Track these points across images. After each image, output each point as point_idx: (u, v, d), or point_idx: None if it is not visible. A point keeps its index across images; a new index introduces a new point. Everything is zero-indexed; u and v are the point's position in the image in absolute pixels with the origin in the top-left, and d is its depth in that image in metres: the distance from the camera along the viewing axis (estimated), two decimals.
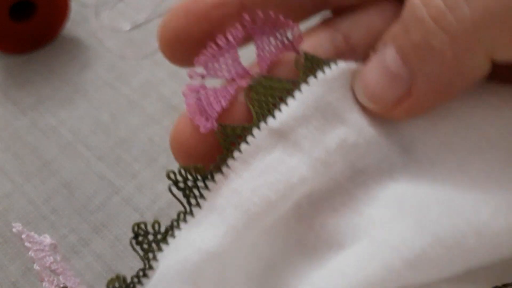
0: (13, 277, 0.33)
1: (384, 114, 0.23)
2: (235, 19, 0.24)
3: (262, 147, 0.22)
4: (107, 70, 0.44)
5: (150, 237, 0.21)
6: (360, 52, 0.25)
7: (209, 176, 0.22)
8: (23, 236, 0.19)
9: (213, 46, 0.24)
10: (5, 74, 0.44)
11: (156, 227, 0.22)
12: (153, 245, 0.21)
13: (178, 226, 0.21)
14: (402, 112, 0.22)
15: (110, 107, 0.41)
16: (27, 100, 0.42)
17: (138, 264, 0.34)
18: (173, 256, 0.21)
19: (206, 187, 0.22)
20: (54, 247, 0.21)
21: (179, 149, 0.24)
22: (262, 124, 0.22)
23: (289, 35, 0.24)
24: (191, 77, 0.24)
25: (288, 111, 0.22)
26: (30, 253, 0.19)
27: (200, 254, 0.20)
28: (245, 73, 0.24)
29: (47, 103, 0.42)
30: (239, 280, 0.21)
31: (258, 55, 0.24)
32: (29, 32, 0.44)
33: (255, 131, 0.22)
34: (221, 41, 0.24)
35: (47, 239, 0.20)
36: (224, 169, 0.22)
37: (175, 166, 0.40)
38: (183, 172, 0.22)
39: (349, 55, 0.25)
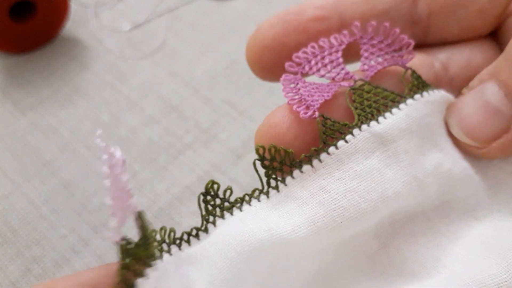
0: (13, 277, 0.33)
1: (476, 150, 0.23)
2: (332, 33, 0.24)
3: (360, 149, 0.22)
4: (107, 70, 0.44)
5: (217, 201, 0.21)
6: (457, 84, 0.25)
7: (297, 164, 0.21)
8: (101, 145, 0.18)
9: (316, 46, 0.24)
10: (5, 74, 0.44)
11: (228, 193, 0.21)
12: (217, 210, 0.21)
13: (249, 202, 0.21)
14: (495, 149, 0.22)
15: (110, 107, 0.41)
16: (27, 100, 0.42)
17: None
18: (236, 227, 0.20)
19: (291, 174, 0.21)
20: (124, 163, 0.20)
21: (273, 136, 0.22)
22: (364, 126, 0.22)
23: (400, 49, 0.25)
24: (289, 69, 0.24)
25: (393, 120, 0.22)
26: (104, 168, 0.18)
27: (269, 234, 0.19)
28: (349, 76, 0.24)
29: (47, 103, 0.42)
30: (292, 275, 0.21)
31: (363, 63, 0.24)
32: (29, 32, 0.44)
33: (355, 131, 0.22)
34: (324, 43, 0.24)
35: (118, 152, 0.19)
36: (315, 162, 0.21)
37: (175, 166, 0.40)
38: (272, 150, 0.21)
39: (446, 84, 0.25)
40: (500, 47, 0.26)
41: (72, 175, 0.38)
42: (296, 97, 0.23)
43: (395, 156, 0.22)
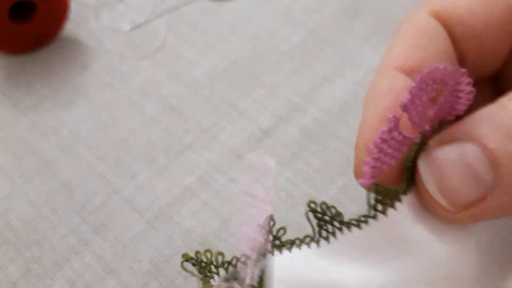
0: (13, 277, 0.33)
1: (447, 214, 0.22)
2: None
3: (407, 217, 0.21)
4: (107, 71, 0.44)
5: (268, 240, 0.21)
6: None
7: (345, 224, 0.22)
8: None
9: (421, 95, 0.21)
10: (5, 74, 0.44)
11: (281, 232, 0.22)
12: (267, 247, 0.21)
13: (299, 245, 0.22)
14: (466, 216, 0.21)
15: (110, 107, 0.41)
16: (27, 100, 0.42)
17: (138, 265, 0.35)
18: (285, 265, 0.21)
19: (341, 230, 0.22)
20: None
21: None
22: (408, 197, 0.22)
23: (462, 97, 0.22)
24: (390, 122, 0.20)
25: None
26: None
27: (321, 276, 0.20)
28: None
29: (47, 104, 0.42)
30: None
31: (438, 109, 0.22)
32: (29, 32, 0.44)
33: (404, 199, 0.22)
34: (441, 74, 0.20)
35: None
36: (363, 225, 0.22)
37: (175, 166, 0.40)
38: (324, 206, 0.22)
39: None
40: (500, 91, 0.24)
41: (72, 175, 0.38)
42: (376, 155, 0.21)
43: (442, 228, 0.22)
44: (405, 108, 0.20)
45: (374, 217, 0.21)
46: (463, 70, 0.21)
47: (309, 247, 0.22)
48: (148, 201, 0.36)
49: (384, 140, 0.20)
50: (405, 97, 0.20)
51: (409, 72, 0.24)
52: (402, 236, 0.21)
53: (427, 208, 0.22)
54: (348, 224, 0.22)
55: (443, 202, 0.21)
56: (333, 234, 0.22)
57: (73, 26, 0.47)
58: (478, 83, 0.24)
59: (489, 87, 0.26)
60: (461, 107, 0.22)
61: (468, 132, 0.21)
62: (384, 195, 0.21)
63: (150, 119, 0.40)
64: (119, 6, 0.49)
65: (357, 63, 0.43)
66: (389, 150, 0.21)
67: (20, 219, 0.36)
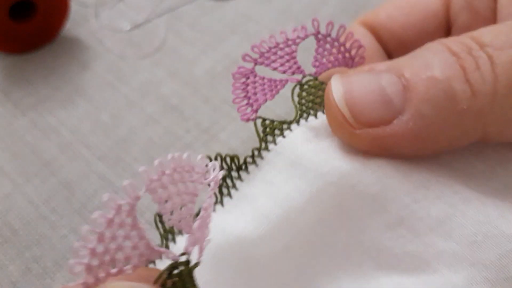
0: (13, 277, 0.33)
1: (348, 127, 0.22)
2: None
3: (296, 140, 0.22)
4: (107, 70, 0.44)
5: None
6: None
7: (243, 167, 0.22)
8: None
9: (275, 39, 0.25)
10: (5, 74, 0.44)
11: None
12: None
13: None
14: (366, 136, 0.21)
15: (110, 107, 0.41)
16: (27, 100, 0.42)
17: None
18: None
19: (240, 177, 0.22)
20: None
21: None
22: (302, 121, 0.23)
23: (353, 52, 0.25)
24: (244, 59, 0.24)
25: None
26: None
27: (224, 236, 0.20)
28: (299, 71, 0.25)
29: (47, 103, 0.42)
30: (260, 273, 0.21)
31: (315, 59, 0.25)
32: (29, 32, 0.44)
33: (294, 125, 0.23)
34: (282, 36, 0.25)
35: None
36: (258, 160, 0.22)
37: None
38: (219, 160, 0.22)
39: None
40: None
41: (72, 175, 0.38)
42: (242, 95, 0.24)
43: (330, 148, 0.22)
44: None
45: (266, 148, 0.23)
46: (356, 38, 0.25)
47: (214, 211, 0.22)
48: (148, 201, 0.36)
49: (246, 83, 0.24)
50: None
51: None
52: (294, 158, 0.22)
53: (330, 122, 0.22)
54: (245, 166, 0.22)
55: (347, 113, 0.21)
56: (234, 186, 0.22)
57: (73, 26, 0.47)
58: None
59: None
60: (356, 59, 0.25)
61: (387, 65, 0.22)
62: (271, 127, 0.23)
63: (150, 119, 0.40)
64: (119, 5, 0.49)
65: None
66: (259, 90, 0.24)
67: (20, 218, 0.36)
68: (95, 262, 0.16)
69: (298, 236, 0.21)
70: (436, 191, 0.21)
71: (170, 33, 0.46)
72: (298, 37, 0.25)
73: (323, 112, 0.23)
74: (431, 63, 0.21)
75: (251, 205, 0.21)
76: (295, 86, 0.25)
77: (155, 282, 0.17)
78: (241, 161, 0.23)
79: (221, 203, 0.22)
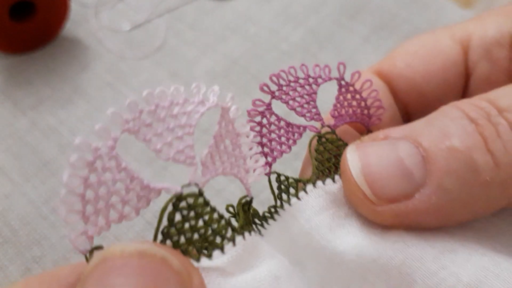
0: (13, 277, 0.33)
1: (368, 204, 0.20)
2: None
3: (312, 206, 0.21)
4: (106, 70, 0.44)
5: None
6: None
7: (258, 223, 0.22)
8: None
9: (295, 73, 0.23)
10: (5, 74, 0.44)
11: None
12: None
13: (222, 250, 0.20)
14: (389, 212, 0.20)
15: (109, 107, 0.41)
16: (27, 100, 0.42)
17: None
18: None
19: (260, 232, 0.22)
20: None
21: None
22: (319, 183, 0.21)
23: (372, 111, 0.24)
24: (261, 89, 0.23)
25: None
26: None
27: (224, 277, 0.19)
28: (318, 118, 0.23)
29: (47, 103, 0.42)
30: None
31: (334, 108, 0.24)
32: (29, 32, 0.44)
33: (309, 187, 0.21)
34: (303, 70, 0.23)
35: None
36: (277, 217, 0.21)
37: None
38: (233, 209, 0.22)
39: None
40: None
41: None
42: (257, 139, 0.22)
43: (347, 218, 0.21)
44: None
45: (282, 207, 0.21)
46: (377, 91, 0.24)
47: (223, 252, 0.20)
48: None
49: (262, 124, 0.22)
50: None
51: None
52: (308, 230, 0.21)
53: (350, 198, 0.21)
54: (261, 222, 0.21)
55: (368, 191, 0.20)
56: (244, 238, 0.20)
57: (73, 26, 0.47)
58: None
59: None
60: (373, 119, 0.24)
61: (403, 132, 0.21)
62: (286, 185, 0.22)
63: None
64: (119, 5, 0.49)
65: (357, 63, 0.43)
66: (276, 136, 0.22)
67: (20, 219, 0.36)
68: (89, 209, 0.16)
69: None
70: (464, 254, 0.20)
71: (170, 33, 0.46)
72: (320, 77, 0.23)
73: (340, 176, 0.22)
74: (450, 132, 0.20)
75: (266, 263, 0.20)
76: (313, 137, 0.23)
77: (161, 213, 0.17)
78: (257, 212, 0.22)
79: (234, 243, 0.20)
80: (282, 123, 0.23)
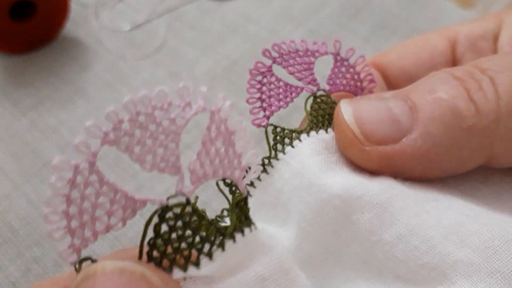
0: (13, 277, 0.33)
1: (358, 145, 0.22)
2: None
3: (304, 152, 0.23)
4: (107, 71, 0.44)
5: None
6: None
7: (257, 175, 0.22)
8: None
9: (295, 46, 0.25)
10: (5, 74, 0.44)
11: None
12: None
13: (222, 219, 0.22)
14: (377, 154, 0.22)
15: (109, 107, 0.41)
16: (27, 100, 0.42)
17: None
18: None
19: (252, 184, 0.23)
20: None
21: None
22: (313, 133, 0.23)
23: (365, 84, 0.26)
24: (263, 54, 0.25)
25: None
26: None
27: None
28: (314, 83, 0.25)
29: (47, 103, 0.42)
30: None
31: (330, 77, 0.26)
32: (29, 32, 0.44)
33: (303, 136, 0.23)
34: (302, 45, 0.25)
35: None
36: (269, 168, 0.23)
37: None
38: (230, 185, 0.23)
39: None
40: None
41: None
42: (256, 95, 0.24)
43: (337, 164, 0.23)
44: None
45: (276, 157, 0.23)
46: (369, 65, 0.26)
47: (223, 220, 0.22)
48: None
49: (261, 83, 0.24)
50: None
51: None
52: (300, 170, 0.22)
53: (340, 139, 0.23)
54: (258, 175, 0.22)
55: (358, 132, 0.22)
56: (248, 193, 0.22)
57: (73, 26, 0.47)
58: None
59: None
60: (365, 91, 0.26)
61: (393, 92, 0.23)
62: (281, 136, 0.24)
63: None
64: (119, 6, 0.49)
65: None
66: (274, 94, 0.24)
67: (20, 219, 0.36)
68: (74, 224, 0.16)
69: (317, 246, 0.22)
70: (445, 202, 0.21)
71: (170, 33, 0.46)
72: (318, 51, 0.26)
73: (333, 129, 0.24)
74: (436, 87, 0.22)
75: (269, 214, 0.22)
76: (309, 97, 0.25)
77: (145, 226, 0.18)
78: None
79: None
80: (281, 83, 0.25)
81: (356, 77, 0.26)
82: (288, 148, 0.23)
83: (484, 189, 0.23)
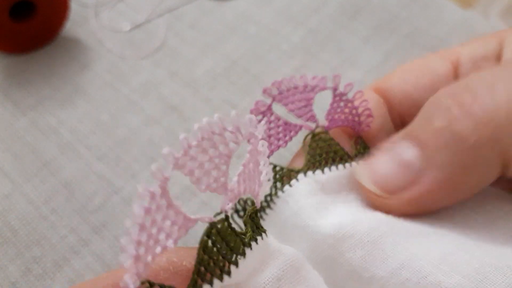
0: (13, 277, 0.33)
1: (383, 201, 0.23)
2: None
3: (301, 193, 0.24)
4: (107, 70, 0.44)
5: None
6: None
7: (260, 214, 0.24)
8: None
9: (295, 82, 0.26)
10: (5, 74, 0.44)
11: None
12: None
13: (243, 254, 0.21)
14: (404, 201, 0.22)
15: (110, 107, 0.41)
16: (27, 100, 0.42)
17: None
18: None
19: (261, 217, 0.25)
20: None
21: None
22: (309, 173, 0.24)
23: (362, 119, 0.27)
24: (264, 92, 0.26)
25: (337, 174, 0.25)
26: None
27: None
28: (313, 119, 0.26)
29: (47, 103, 0.42)
30: None
31: (329, 113, 0.27)
32: (29, 32, 0.44)
33: (300, 175, 0.24)
34: (302, 81, 0.26)
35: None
36: (272, 204, 0.24)
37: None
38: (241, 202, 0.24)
39: None
40: None
41: (72, 175, 0.38)
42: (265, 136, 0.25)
43: (333, 204, 0.24)
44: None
45: (276, 194, 0.24)
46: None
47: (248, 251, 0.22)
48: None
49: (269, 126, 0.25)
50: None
51: None
52: (296, 210, 0.23)
53: (368, 200, 0.24)
54: (261, 212, 0.24)
55: (374, 188, 0.23)
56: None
57: (73, 26, 0.47)
58: None
59: None
60: (363, 126, 0.27)
61: (398, 135, 0.24)
62: (280, 174, 0.25)
63: (150, 119, 0.40)
64: (119, 6, 0.49)
65: (357, 63, 0.43)
66: (274, 133, 0.25)
67: (20, 219, 0.36)
68: (141, 251, 0.17)
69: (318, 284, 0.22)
70: (436, 236, 0.22)
71: (170, 33, 0.46)
72: (317, 86, 0.26)
73: (330, 169, 0.25)
74: (431, 115, 0.22)
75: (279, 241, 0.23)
76: (308, 135, 0.26)
77: (201, 247, 0.18)
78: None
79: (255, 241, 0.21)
80: (281, 122, 0.26)
81: (354, 111, 0.27)
82: (286, 187, 0.24)
83: (477, 218, 0.24)
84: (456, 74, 0.29)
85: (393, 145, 0.23)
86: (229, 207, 0.20)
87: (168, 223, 0.17)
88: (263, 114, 0.26)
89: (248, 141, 0.20)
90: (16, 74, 0.44)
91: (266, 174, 0.21)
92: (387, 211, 0.23)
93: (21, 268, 0.33)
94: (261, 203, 0.24)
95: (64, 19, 0.45)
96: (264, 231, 0.21)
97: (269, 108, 0.26)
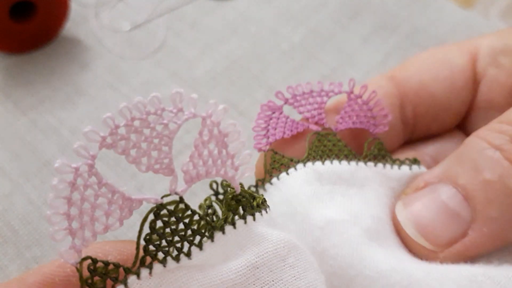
0: (13, 277, 0.33)
1: (430, 254, 0.23)
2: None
3: (297, 181, 0.24)
4: (107, 70, 0.44)
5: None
6: None
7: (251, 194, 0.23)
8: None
9: (311, 87, 0.26)
10: (5, 74, 0.44)
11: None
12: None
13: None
14: (452, 254, 0.22)
15: (110, 107, 0.41)
16: (27, 100, 0.42)
17: None
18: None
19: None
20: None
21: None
22: (309, 163, 0.24)
23: (378, 120, 0.27)
24: (276, 95, 0.26)
25: (338, 167, 0.24)
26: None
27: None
28: (322, 122, 0.27)
29: (47, 103, 0.42)
30: None
31: (341, 115, 0.27)
32: (29, 32, 0.44)
33: (299, 165, 0.24)
34: (318, 86, 0.26)
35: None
36: (261, 190, 0.24)
37: (174, 166, 0.40)
38: (225, 185, 0.23)
39: None
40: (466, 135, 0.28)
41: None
42: (263, 125, 0.26)
43: (329, 194, 0.23)
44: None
45: (269, 181, 0.24)
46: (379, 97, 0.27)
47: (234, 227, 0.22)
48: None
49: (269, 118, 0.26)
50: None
51: None
52: (289, 197, 0.23)
53: (411, 251, 0.23)
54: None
55: (425, 244, 0.22)
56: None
57: (73, 26, 0.47)
58: (449, 133, 0.28)
59: (458, 134, 0.29)
60: (380, 127, 0.27)
61: (438, 175, 0.23)
62: (279, 162, 0.25)
63: None
64: (119, 5, 0.49)
65: (357, 63, 0.43)
66: (280, 127, 0.26)
67: (20, 218, 0.36)
68: (75, 225, 0.17)
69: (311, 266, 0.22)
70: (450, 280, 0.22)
71: (170, 33, 0.46)
72: (333, 91, 0.27)
73: (331, 162, 0.25)
74: (480, 165, 0.22)
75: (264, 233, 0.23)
76: (313, 133, 0.26)
77: (141, 223, 0.18)
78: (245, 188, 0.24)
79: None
80: (289, 120, 0.26)
81: (369, 114, 0.27)
82: (282, 174, 0.24)
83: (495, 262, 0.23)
84: (474, 67, 0.28)
85: (432, 187, 0.23)
86: (183, 188, 0.20)
87: (103, 200, 0.18)
88: (273, 110, 0.26)
89: (202, 122, 0.20)
90: (16, 74, 0.44)
91: (247, 156, 0.21)
92: (431, 259, 0.23)
93: (21, 268, 0.33)
94: (250, 187, 0.24)
95: (64, 19, 0.45)
96: (252, 214, 0.20)
97: (279, 108, 0.26)
